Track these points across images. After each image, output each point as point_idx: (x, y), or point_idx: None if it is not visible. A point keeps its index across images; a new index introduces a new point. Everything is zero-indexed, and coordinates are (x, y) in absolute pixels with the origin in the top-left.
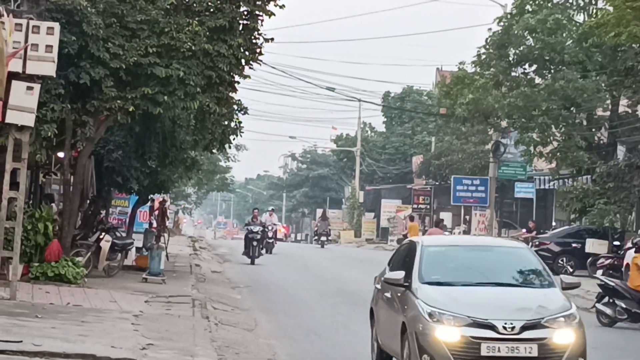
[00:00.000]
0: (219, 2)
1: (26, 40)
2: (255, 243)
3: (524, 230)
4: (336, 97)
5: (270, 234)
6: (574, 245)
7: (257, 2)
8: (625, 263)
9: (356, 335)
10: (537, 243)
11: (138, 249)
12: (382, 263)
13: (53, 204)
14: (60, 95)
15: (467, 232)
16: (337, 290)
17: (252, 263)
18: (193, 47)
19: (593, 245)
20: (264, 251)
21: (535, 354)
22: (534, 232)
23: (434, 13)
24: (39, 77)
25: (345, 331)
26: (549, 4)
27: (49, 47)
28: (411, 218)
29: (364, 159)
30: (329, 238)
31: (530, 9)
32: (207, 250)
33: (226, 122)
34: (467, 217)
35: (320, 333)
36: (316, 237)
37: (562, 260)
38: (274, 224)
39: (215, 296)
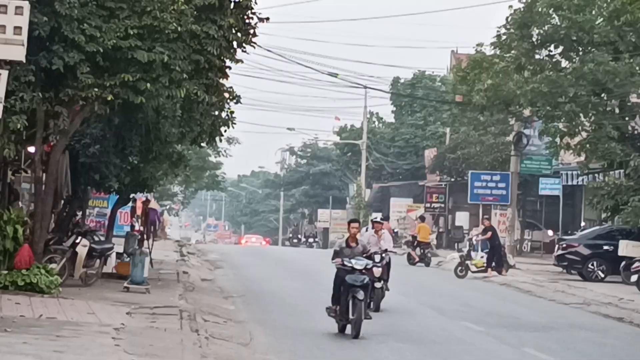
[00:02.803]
0: None
1: None
2: (360, 295)
3: (550, 231)
4: (339, 84)
5: (377, 271)
6: (605, 247)
7: None
8: None
9: (367, 351)
10: (564, 245)
11: (119, 255)
12: (401, 271)
13: (19, 202)
14: (31, 82)
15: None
16: None
17: (354, 336)
18: (179, 28)
19: (627, 248)
20: (371, 306)
21: None
22: (489, 233)
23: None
24: (6, 63)
25: (351, 345)
26: None
27: (17, 29)
28: (422, 218)
29: (371, 153)
30: (316, 240)
31: None
32: (196, 256)
33: (216, 112)
34: (487, 217)
35: (324, 348)
36: (302, 238)
37: (593, 265)
38: (383, 252)
39: (205, 307)
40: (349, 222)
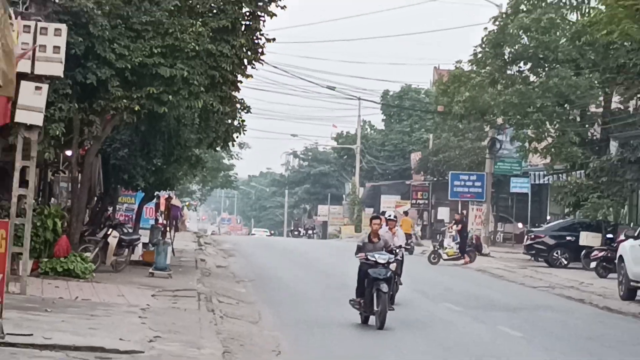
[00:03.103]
0: (221, 3)
1: (34, 42)
2: (384, 288)
3: (519, 224)
4: (337, 96)
5: (392, 266)
6: (568, 238)
7: (259, 3)
8: (618, 255)
9: (361, 331)
10: (532, 236)
11: (144, 245)
12: (436, 265)
13: (52, 198)
14: (68, 95)
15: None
16: (341, 285)
17: (379, 327)
18: (197, 48)
19: (587, 238)
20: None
21: None
22: (459, 226)
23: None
24: (47, 78)
25: (348, 324)
26: (543, 4)
27: (56, 48)
28: (405, 213)
29: (364, 156)
30: (314, 232)
31: (524, 9)
32: (211, 246)
33: (229, 121)
34: (465, 212)
35: (323, 326)
36: (302, 230)
37: (557, 253)
38: (397, 248)
39: (220, 290)
40: (371, 219)
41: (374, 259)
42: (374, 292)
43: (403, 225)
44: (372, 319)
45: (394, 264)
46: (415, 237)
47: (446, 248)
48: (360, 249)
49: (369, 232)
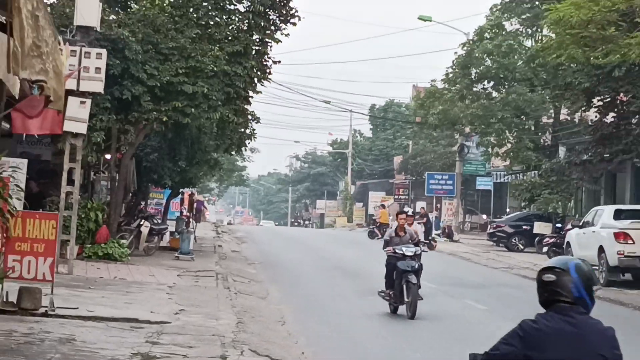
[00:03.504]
0: (235, 31)
1: (79, 64)
2: (413, 279)
3: (484, 216)
4: (331, 109)
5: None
6: (524, 227)
7: (267, 32)
8: (566, 241)
9: (351, 303)
10: (494, 226)
11: (171, 233)
12: (367, 244)
13: (94, 195)
14: (107, 108)
15: (438, 217)
16: (334, 267)
17: (410, 317)
18: (215, 69)
19: (540, 227)
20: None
21: None
22: (425, 219)
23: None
24: (90, 94)
25: (342, 300)
26: (503, 32)
27: (97, 69)
28: (382, 206)
29: (355, 159)
30: (310, 222)
31: (488, 36)
32: (227, 234)
33: (242, 130)
34: (438, 205)
35: (321, 301)
36: (301, 221)
37: (515, 240)
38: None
39: (234, 271)
40: (398, 214)
41: (401, 252)
42: (404, 284)
43: (381, 216)
44: (402, 309)
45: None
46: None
47: None
48: (387, 243)
49: (396, 227)
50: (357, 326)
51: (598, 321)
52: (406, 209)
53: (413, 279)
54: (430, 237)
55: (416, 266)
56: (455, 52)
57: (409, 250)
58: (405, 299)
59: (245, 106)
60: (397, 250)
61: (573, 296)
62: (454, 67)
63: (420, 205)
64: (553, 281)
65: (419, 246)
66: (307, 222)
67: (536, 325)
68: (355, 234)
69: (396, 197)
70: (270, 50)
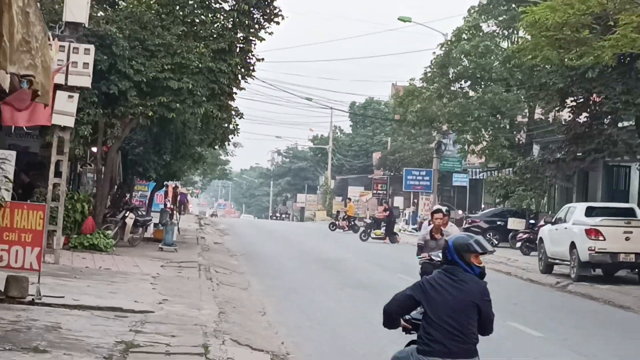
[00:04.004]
0: (220, 29)
1: (68, 59)
2: None
3: (460, 211)
4: (313, 106)
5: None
6: (498, 222)
7: (251, 30)
8: (539, 237)
9: (329, 295)
10: (470, 221)
11: (155, 225)
12: (345, 238)
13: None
14: (95, 102)
15: (415, 212)
16: (314, 259)
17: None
18: (200, 65)
19: (513, 223)
20: None
21: None
22: (388, 212)
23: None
24: (77, 88)
25: (321, 292)
26: (480, 33)
27: (85, 65)
28: (349, 199)
29: (335, 154)
30: (287, 215)
31: (465, 37)
32: (210, 226)
33: (226, 125)
34: (416, 200)
35: (300, 292)
36: (278, 215)
37: (489, 235)
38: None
39: (216, 262)
40: (433, 213)
41: (439, 259)
42: None
43: (349, 210)
44: None
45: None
46: (362, 219)
47: (375, 230)
48: (421, 249)
49: (431, 229)
50: (336, 317)
51: (476, 278)
52: (438, 206)
53: None
54: (392, 230)
55: None
56: (434, 52)
57: (438, 255)
58: None
59: (229, 102)
60: (433, 257)
61: (447, 259)
62: (432, 66)
63: (399, 200)
64: (462, 244)
65: None
66: (284, 216)
67: (430, 279)
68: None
69: (375, 192)
70: (254, 48)
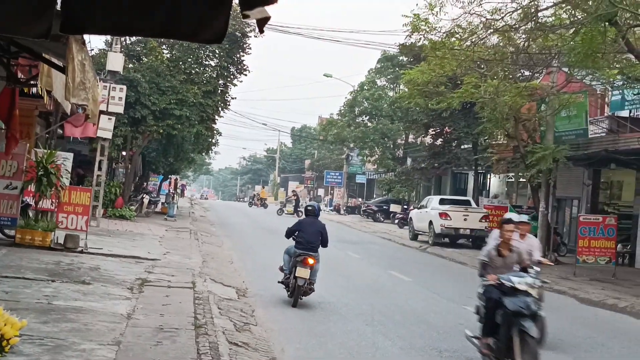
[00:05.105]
0: (208, 78)
1: (108, 94)
2: (530, 328)
3: (360, 199)
4: (267, 128)
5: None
6: (384, 207)
7: (228, 79)
8: (409, 217)
9: (273, 248)
10: (366, 205)
11: (162, 203)
12: (272, 214)
13: (115, 177)
14: (125, 123)
15: (331, 198)
16: (261, 227)
17: None
18: (194, 101)
19: (394, 207)
20: (542, 341)
21: None
22: (296, 196)
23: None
24: (114, 113)
25: (267, 247)
26: (375, 86)
27: (120, 98)
28: (263, 187)
29: (280, 160)
30: (255, 202)
31: (366, 88)
32: (198, 205)
33: (210, 139)
34: (332, 191)
35: (256, 248)
36: (250, 201)
37: (378, 215)
38: (536, 264)
39: (202, 228)
40: (503, 223)
41: (510, 284)
42: (515, 334)
43: (262, 193)
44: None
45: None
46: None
47: (287, 207)
48: (484, 267)
49: (497, 244)
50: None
51: (320, 221)
52: (509, 215)
53: (530, 327)
54: (298, 208)
55: (533, 307)
56: (346, 97)
57: (522, 283)
58: (517, 359)
59: (213, 125)
60: (504, 282)
61: (316, 211)
62: (344, 106)
63: (321, 191)
64: (311, 209)
65: (529, 271)
66: (242, 200)
67: (302, 219)
68: (274, 209)
69: (306, 185)
70: (230, 90)
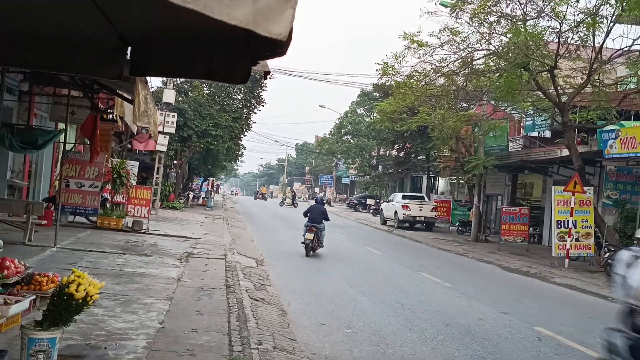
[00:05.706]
0: (236, 107)
1: (164, 119)
2: None
3: (345, 195)
4: (279, 144)
5: None
6: (363, 201)
7: (251, 108)
8: (380, 208)
9: (285, 232)
10: (350, 200)
11: (203, 198)
12: (287, 207)
13: (169, 179)
14: (176, 140)
15: (324, 194)
16: (275, 215)
17: None
18: (225, 124)
19: (369, 201)
20: None
21: None
22: (294, 193)
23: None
24: (168, 133)
25: (280, 231)
26: (356, 113)
27: (172, 122)
28: (264, 186)
29: (288, 167)
30: (265, 197)
31: (349, 115)
32: (228, 200)
33: (237, 152)
34: (325, 189)
35: (270, 230)
36: (260, 197)
37: (359, 207)
38: None
39: (231, 216)
40: None
41: None
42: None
43: (262, 190)
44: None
45: None
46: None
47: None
48: (622, 286)
49: (634, 255)
50: (288, 244)
51: (322, 206)
52: None
53: None
54: (294, 201)
55: None
56: (335, 122)
57: None
58: None
59: (239, 141)
60: None
61: (318, 200)
62: (334, 128)
63: (317, 190)
64: (318, 199)
65: None
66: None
67: (312, 205)
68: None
69: (306, 185)
70: (252, 116)
